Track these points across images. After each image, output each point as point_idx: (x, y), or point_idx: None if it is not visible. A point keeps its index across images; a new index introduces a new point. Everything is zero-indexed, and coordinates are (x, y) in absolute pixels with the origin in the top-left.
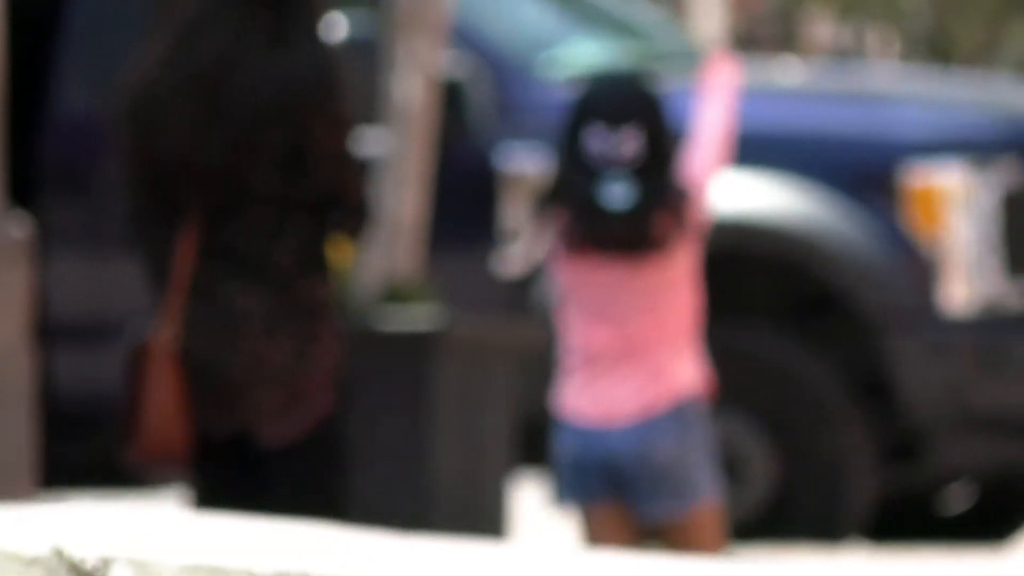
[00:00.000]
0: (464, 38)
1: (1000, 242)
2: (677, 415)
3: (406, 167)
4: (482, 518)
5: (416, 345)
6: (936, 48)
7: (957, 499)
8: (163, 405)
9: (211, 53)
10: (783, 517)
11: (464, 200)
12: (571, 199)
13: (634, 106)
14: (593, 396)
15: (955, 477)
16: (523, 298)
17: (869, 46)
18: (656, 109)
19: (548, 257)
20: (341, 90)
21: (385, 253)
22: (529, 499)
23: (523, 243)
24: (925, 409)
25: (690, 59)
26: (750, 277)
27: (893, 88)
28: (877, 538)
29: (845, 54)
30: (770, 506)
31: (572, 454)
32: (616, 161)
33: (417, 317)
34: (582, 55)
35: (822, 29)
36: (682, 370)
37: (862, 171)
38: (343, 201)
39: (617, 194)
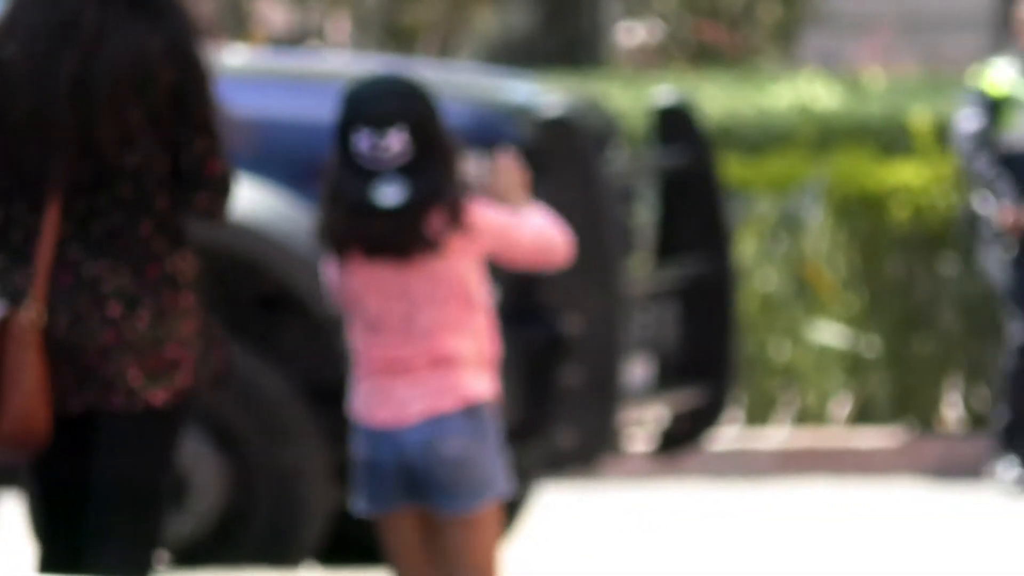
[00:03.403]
0: None
1: None
2: (468, 414)
3: None
4: None
5: None
6: (393, 33)
7: None
8: (28, 386)
9: (69, 19)
10: (233, 539)
11: None
12: (342, 200)
13: (398, 106)
14: (382, 399)
15: None
16: None
17: (326, 31)
18: (423, 108)
19: (325, 263)
20: (207, 59)
21: None
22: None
23: None
24: None
25: None
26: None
27: (346, 74)
28: (330, 560)
29: (299, 39)
30: (219, 527)
31: (366, 457)
32: (384, 162)
33: None
34: None
35: (275, 13)
36: (473, 372)
37: (318, 162)
38: (204, 177)
39: (386, 194)
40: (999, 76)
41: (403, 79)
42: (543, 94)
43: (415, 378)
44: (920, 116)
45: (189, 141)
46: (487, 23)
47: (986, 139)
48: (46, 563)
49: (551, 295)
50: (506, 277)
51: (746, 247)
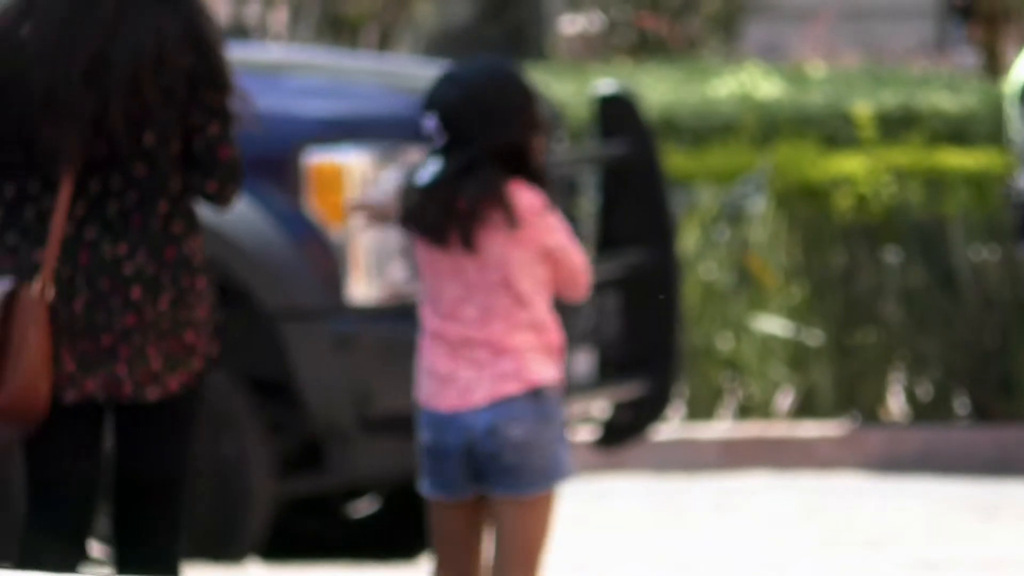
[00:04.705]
0: None
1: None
2: (533, 397)
3: None
4: None
5: None
6: (333, 24)
7: (364, 509)
8: (30, 361)
9: (87, 3)
10: None
11: None
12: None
13: (433, 94)
14: (446, 383)
15: (363, 484)
16: None
17: (268, 22)
18: (455, 100)
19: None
20: (222, 45)
21: None
22: None
23: None
24: (328, 411)
25: None
26: None
27: (293, 65)
28: (273, 552)
29: (244, 31)
30: None
31: (431, 442)
32: (432, 144)
33: None
34: None
35: (217, 4)
36: (536, 358)
37: (261, 153)
38: (216, 162)
39: (423, 173)
40: None
41: (471, 70)
42: None
43: (477, 362)
44: (863, 107)
45: (203, 125)
46: (428, 14)
47: None
48: (31, 555)
49: None
50: None
51: (688, 238)
